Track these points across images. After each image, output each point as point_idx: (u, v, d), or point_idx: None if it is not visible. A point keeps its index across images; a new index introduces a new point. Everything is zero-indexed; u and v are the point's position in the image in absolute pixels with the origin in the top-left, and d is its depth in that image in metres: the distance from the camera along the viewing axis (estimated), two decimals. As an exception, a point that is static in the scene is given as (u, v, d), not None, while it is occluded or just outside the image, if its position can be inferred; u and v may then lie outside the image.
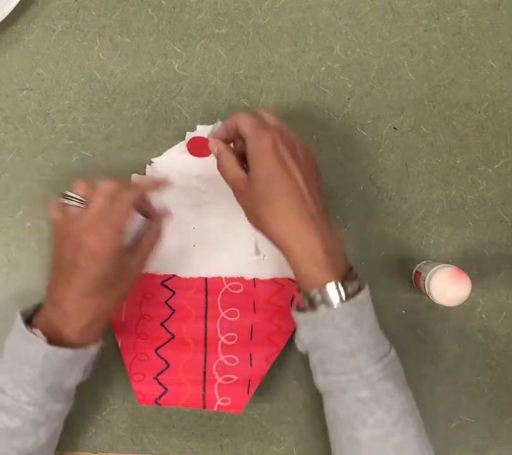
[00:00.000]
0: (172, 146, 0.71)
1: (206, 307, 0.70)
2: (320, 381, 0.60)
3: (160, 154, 0.71)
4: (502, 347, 0.71)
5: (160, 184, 0.65)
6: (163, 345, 0.69)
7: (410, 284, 0.71)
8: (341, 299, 0.57)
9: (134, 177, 0.71)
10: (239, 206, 0.70)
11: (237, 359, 0.69)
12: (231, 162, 0.62)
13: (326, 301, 0.58)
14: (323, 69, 0.71)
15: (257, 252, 0.70)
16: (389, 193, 0.71)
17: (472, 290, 0.63)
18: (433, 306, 0.67)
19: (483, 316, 0.71)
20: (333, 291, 0.57)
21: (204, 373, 0.69)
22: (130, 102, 0.71)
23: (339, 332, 0.57)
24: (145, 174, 0.71)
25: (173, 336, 0.69)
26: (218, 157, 0.63)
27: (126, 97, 0.71)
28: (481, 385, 0.71)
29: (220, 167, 0.63)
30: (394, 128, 0.71)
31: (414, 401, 0.60)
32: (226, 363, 0.69)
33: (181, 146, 0.71)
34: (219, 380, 0.68)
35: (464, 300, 0.63)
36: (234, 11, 0.71)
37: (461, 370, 0.71)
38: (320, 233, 0.58)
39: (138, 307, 0.70)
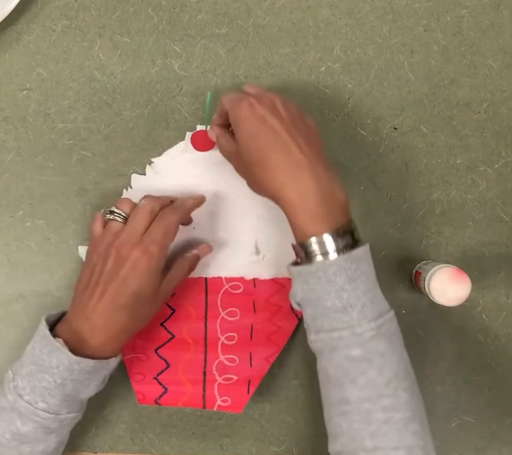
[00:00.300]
0: (172, 146, 0.71)
1: (206, 307, 0.70)
2: (312, 339, 0.59)
3: (160, 154, 0.71)
4: (502, 347, 0.71)
5: (201, 202, 0.67)
6: (163, 345, 0.69)
7: (410, 284, 0.71)
8: (338, 251, 0.56)
9: (135, 177, 0.71)
10: (239, 206, 0.70)
11: (237, 359, 0.69)
12: (226, 139, 0.64)
13: (319, 253, 0.57)
14: (323, 69, 0.71)
15: (257, 252, 0.70)
16: (389, 193, 0.71)
17: (472, 290, 0.63)
18: (433, 306, 0.67)
19: (483, 316, 0.71)
20: (325, 242, 0.56)
21: (204, 373, 0.69)
22: (130, 102, 0.71)
23: (332, 287, 0.56)
24: (145, 174, 0.71)
25: (173, 336, 0.69)
26: (217, 140, 0.65)
27: (126, 97, 0.71)
28: (481, 385, 0.71)
29: (219, 148, 0.65)
30: (394, 128, 0.71)
31: (411, 368, 0.58)
32: (226, 363, 0.69)
33: (181, 146, 0.71)
34: (219, 380, 0.68)
35: (464, 300, 0.63)
36: (234, 11, 0.71)
37: (461, 369, 0.71)
38: (313, 182, 0.57)
39: (138, 307, 0.70)
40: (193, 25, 0.71)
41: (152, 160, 0.71)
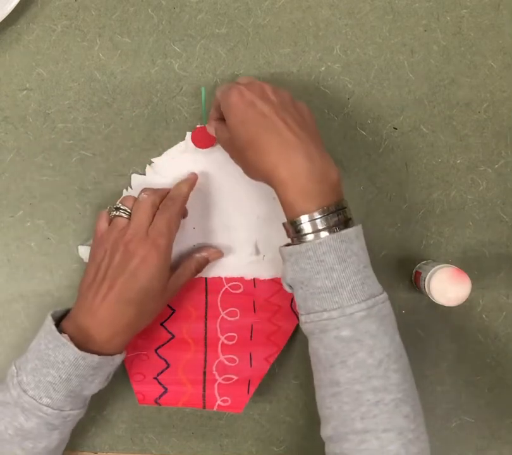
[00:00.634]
0: (172, 146, 0.71)
1: (206, 307, 0.70)
2: (303, 320, 0.58)
3: (160, 154, 0.71)
4: (502, 347, 0.71)
5: (194, 181, 0.68)
6: (163, 345, 0.69)
7: (410, 284, 0.71)
8: (329, 229, 0.56)
9: (134, 177, 0.71)
10: (239, 206, 0.70)
11: (237, 359, 0.69)
12: (222, 129, 0.64)
13: (310, 231, 0.57)
14: (323, 69, 0.71)
15: (257, 252, 0.70)
16: (389, 193, 0.71)
17: (472, 290, 0.63)
18: (433, 306, 0.67)
19: (483, 316, 0.71)
20: (316, 220, 0.56)
21: (204, 373, 0.69)
22: (130, 102, 0.71)
23: (322, 267, 0.56)
24: (145, 174, 0.71)
25: (173, 336, 0.69)
26: (215, 133, 0.66)
27: (126, 97, 0.71)
28: (481, 385, 0.71)
29: (217, 139, 0.66)
30: (394, 128, 0.71)
31: (404, 351, 0.58)
32: (226, 363, 0.69)
33: (181, 146, 0.71)
34: (219, 380, 0.69)
35: (464, 300, 0.63)
36: (234, 11, 0.71)
37: (461, 370, 0.71)
38: (304, 161, 0.57)
39: (138, 307, 0.70)
40: (193, 25, 0.71)
41: (152, 160, 0.71)
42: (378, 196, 0.71)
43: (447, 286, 0.63)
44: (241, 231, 0.70)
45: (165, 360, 0.69)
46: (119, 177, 0.71)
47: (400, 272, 0.71)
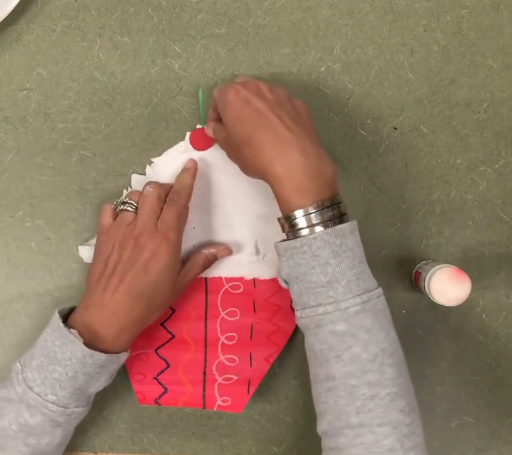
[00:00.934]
0: (172, 146, 0.71)
1: (206, 307, 0.70)
2: (298, 315, 0.59)
3: (160, 154, 0.71)
4: (502, 347, 0.71)
5: (195, 169, 0.68)
6: (163, 345, 0.69)
7: (410, 284, 0.71)
8: (323, 224, 0.57)
9: (134, 177, 0.71)
10: (239, 206, 0.70)
11: (237, 359, 0.69)
12: (219, 128, 0.65)
13: (305, 226, 0.57)
14: (323, 69, 0.71)
15: (257, 252, 0.70)
16: (389, 193, 0.71)
17: (472, 290, 0.63)
18: (433, 306, 0.67)
19: (483, 316, 0.71)
20: (310, 215, 0.57)
21: (204, 373, 0.69)
22: (130, 102, 0.71)
23: (316, 261, 0.56)
24: (145, 174, 0.71)
25: (173, 336, 0.69)
26: (213, 133, 0.67)
27: (126, 97, 0.71)
28: (481, 385, 0.71)
29: (215, 139, 0.67)
30: (394, 128, 0.71)
31: (399, 346, 0.58)
32: (226, 363, 0.69)
33: (181, 146, 0.71)
34: (219, 380, 0.69)
35: (464, 300, 0.63)
36: (234, 11, 0.71)
37: (461, 370, 0.71)
38: (299, 156, 0.57)
39: (138, 307, 0.70)
40: (193, 25, 0.71)
41: (152, 160, 0.71)
42: (378, 196, 0.71)
43: (447, 286, 0.63)
44: (241, 231, 0.70)
45: (165, 360, 0.69)
46: (119, 177, 0.71)
47: (400, 272, 0.71)
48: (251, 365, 0.69)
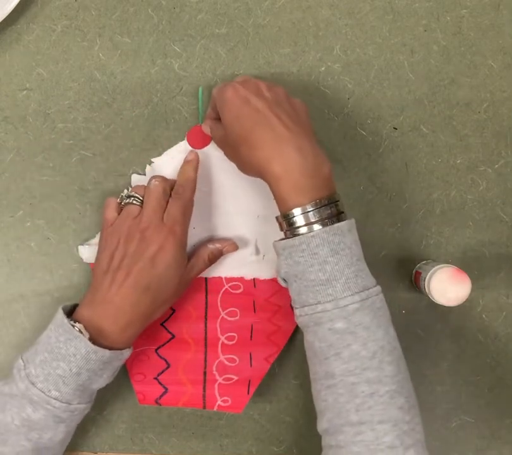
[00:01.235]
0: (172, 146, 0.71)
1: (206, 307, 0.70)
2: (298, 314, 0.59)
3: (160, 154, 0.71)
4: (502, 347, 0.71)
5: (196, 161, 0.68)
6: (163, 345, 0.69)
7: (410, 284, 0.71)
8: (321, 222, 0.57)
9: (135, 177, 0.71)
10: (239, 206, 0.70)
11: (237, 359, 0.69)
12: (217, 127, 0.65)
13: (303, 224, 0.57)
14: (323, 69, 0.71)
15: (257, 252, 0.70)
16: (389, 193, 0.71)
17: (472, 290, 0.63)
18: (433, 306, 0.67)
19: (483, 316, 0.71)
20: (308, 213, 0.57)
21: (204, 373, 0.69)
22: (130, 102, 0.71)
23: (315, 259, 0.56)
24: (145, 174, 0.71)
25: (173, 336, 0.70)
26: (210, 132, 0.67)
27: (126, 97, 0.71)
28: (481, 385, 0.72)
29: (212, 137, 0.67)
30: (394, 128, 0.71)
31: (398, 343, 0.58)
32: (226, 363, 0.69)
33: (181, 146, 0.71)
34: (219, 380, 0.69)
35: (464, 300, 0.63)
36: (234, 11, 0.71)
37: (461, 370, 0.71)
38: (297, 155, 0.57)
39: (138, 307, 0.70)
40: (193, 25, 0.71)
41: (152, 160, 0.71)
42: (378, 196, 0.71)
43: (447, 286, 0.63)
44: (241, 231, 0.70)
45: (166, 360, 0.69)
46: (119, 177, 0.71)
47: (400, 272, 0.71)
48: (251, 365, 0.69)
